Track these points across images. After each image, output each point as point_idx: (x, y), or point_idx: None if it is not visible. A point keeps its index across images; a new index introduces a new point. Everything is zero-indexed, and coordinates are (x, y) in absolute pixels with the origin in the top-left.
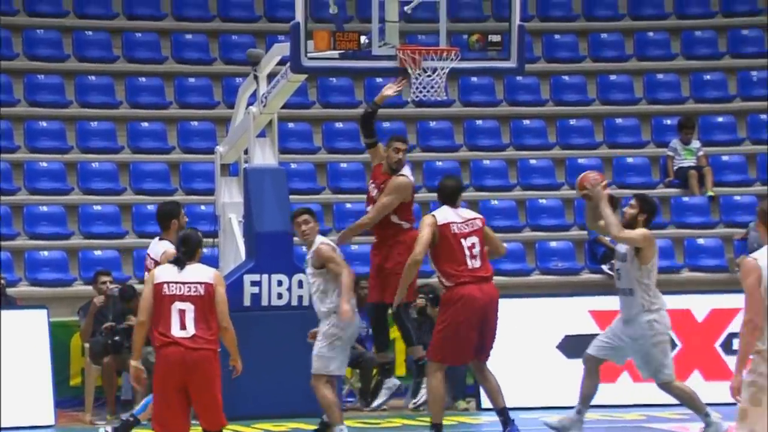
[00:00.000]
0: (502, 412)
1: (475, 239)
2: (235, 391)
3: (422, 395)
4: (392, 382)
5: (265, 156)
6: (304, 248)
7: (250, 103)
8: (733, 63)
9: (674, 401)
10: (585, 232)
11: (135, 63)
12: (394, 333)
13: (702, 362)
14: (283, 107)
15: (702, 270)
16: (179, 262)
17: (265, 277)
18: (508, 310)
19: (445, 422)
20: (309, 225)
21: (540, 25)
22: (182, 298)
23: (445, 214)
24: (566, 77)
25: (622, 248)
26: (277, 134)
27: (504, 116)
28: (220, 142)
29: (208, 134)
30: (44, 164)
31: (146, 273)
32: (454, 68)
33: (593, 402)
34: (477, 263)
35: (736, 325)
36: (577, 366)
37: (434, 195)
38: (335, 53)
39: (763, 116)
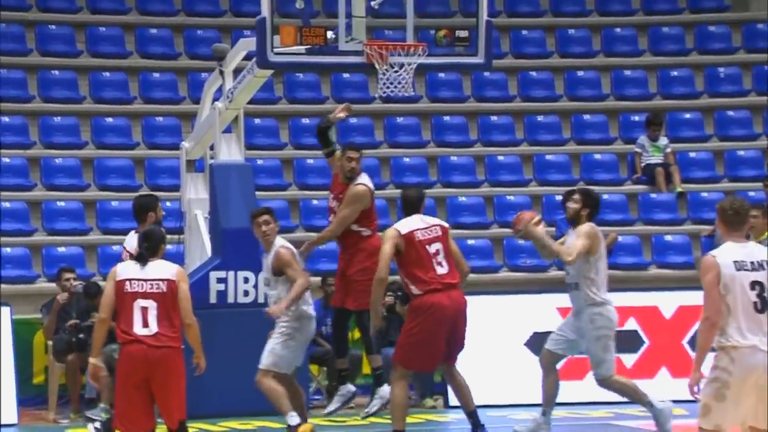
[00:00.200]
0: (472, 415)
1: (438, 245)
2: (201, 389)
3: (374, 405)
4: (347, 389)
5: (231, 152)
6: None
7: (215, 99)
8: (700, 59)
9: None
10: (553, 229)
11: (99, 58)
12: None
13: (670, 359)
14: (250, 103)
15: (669, 267)
16: (141, 258)
17: (231, 274)
18: (477, 307)
19: (412, 420)
20: (270, 225)
21: (507, 21)
22: (144, 296)
23: (408, 223)
24: (534, 73)
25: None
26: (244, 130)
27: (471, 112)
28: (185, 137)
29: (174, 130)
30: (7, 160)
31: None
32: (421, 64)
33: (561, 399)
34: (444, 269)
35: None
36: None
37: (400, 192)
38: (302, 48)
39: (730, 112)
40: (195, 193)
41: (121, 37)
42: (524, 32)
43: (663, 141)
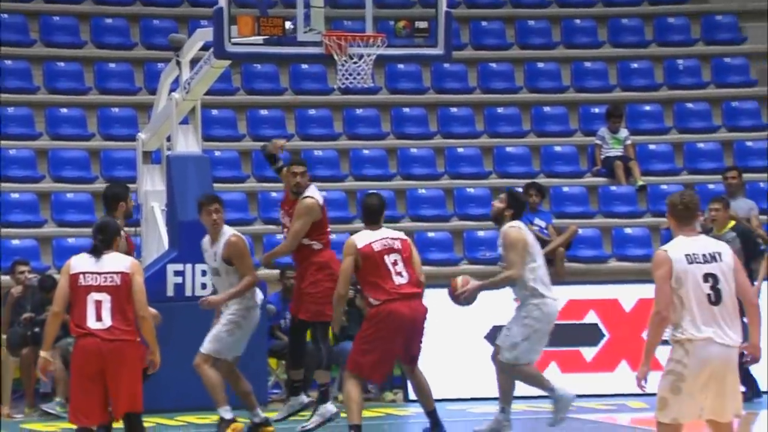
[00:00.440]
0: (432, 414)
1: (396, 256)
2: (159, 383)
3: (312, 422)
4: (297, 401)
5: (188, 143)
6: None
7: (172, 90)
8: (659, 51)
9: (601, 392)
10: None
11: (53, 47)
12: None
13: (629, 352)
14: (207, 93)
15: (629, 260)
16: (96, 251)
17: (188, 266)
18: (436, 300)
19: (372, 414)
20: (219, 214)
21: (467, 12)
22: (98, 289)
23: (363, 237)
24: (494, 65)
25: (500, 247)
26: (201, 121)
27: (431, 104)
28: (141, 128)
29: (130, 121)
30: None
31: None
32: (380, 55)
33: (521, 393)
34: (403, 279)
35: None
36: None
37: (360, 184)
38: (259, 39)
39: (690, 105)
40: (152, 185)
41: (76, 27)
42: (484, 23)
43: (623, 133)
